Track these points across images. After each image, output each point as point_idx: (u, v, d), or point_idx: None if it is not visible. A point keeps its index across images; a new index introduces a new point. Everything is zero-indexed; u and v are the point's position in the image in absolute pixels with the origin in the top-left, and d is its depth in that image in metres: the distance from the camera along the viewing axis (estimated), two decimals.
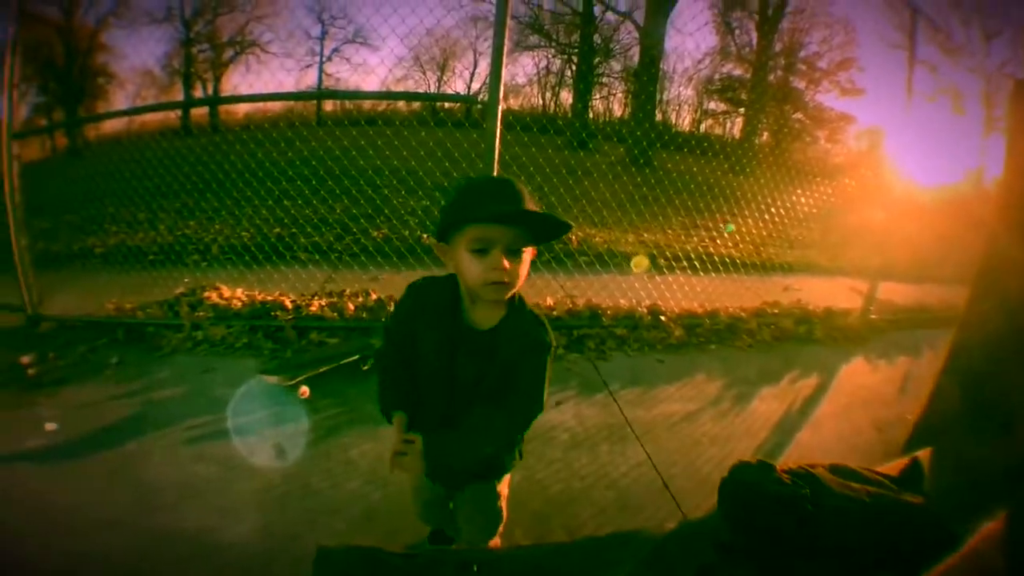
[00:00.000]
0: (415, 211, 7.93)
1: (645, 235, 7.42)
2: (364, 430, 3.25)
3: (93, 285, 5.41)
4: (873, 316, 5.56)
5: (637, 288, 5.35)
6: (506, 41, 3.77)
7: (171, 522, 2.58)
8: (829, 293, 6.09)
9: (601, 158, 9.41)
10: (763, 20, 23.98)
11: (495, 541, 2.09)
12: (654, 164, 9.87)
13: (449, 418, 1.71)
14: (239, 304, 4.69)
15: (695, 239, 7.37)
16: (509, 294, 1.53)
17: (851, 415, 3.86)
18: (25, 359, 4.17)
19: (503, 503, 2.00)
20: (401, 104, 30.28)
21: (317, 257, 6.14)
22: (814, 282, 6.79)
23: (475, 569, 1.52)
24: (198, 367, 4.02)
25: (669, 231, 7.57)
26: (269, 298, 4.78)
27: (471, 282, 1.50)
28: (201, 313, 4.54)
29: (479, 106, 4.03)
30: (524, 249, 1.49)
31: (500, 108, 3.83)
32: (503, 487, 1.96)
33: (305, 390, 3.61)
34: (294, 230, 6.54)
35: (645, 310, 5.01)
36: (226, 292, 4.90)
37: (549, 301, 4.99)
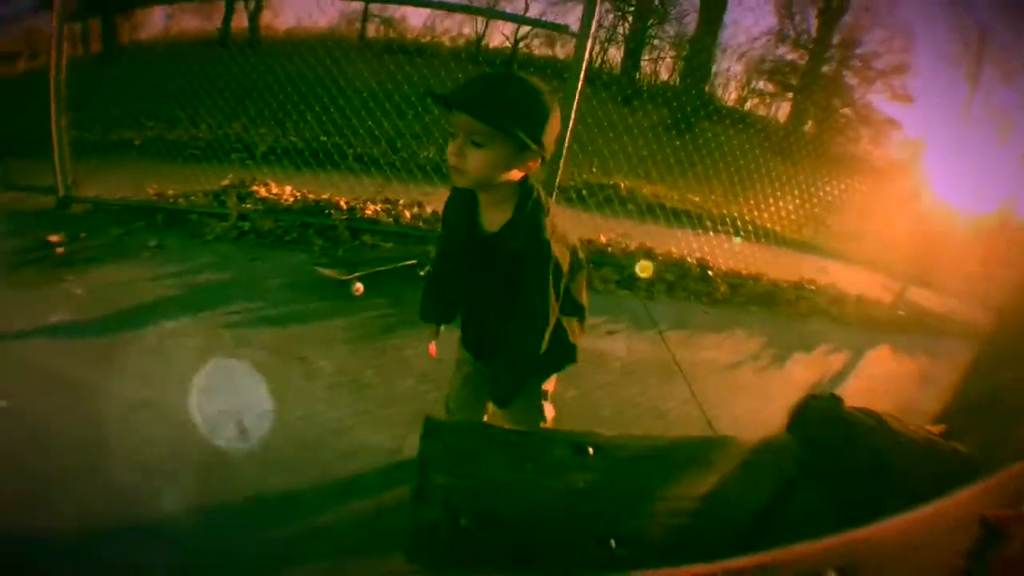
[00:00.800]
0: None
1: (688, 195, 7.35)
2: (419, 331, 3.18)
3: (128, 174, 5.33)
4: (901, 313, 5.62)
5: (683, 241, 5.35)
6: None
7: (208, 407, 2.53)
8: (862, 283, 6.09)
9: (643, 117, 9.26)
10: (826, 9, 23.60)
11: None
12: (695, 131, 9.75)
13: (476, 325, 1.86)
14: (290, 199, 4.65)
15: (736, 206, 7.28)
16: (471, 184, 1.52)
17: (873, 395, 3.91)
18: (54, 237, 4.13)
19: (547, 404, 1.99)
20: (445, 39, 30.27)
21: (369, 167, 6.03)
22: (849, 270, 6.77)
23: (590, 451, 1.52)
24: (244, 256, 3.98)
25: (712, 195, 7.48)
26: (324, 196, 4.73)
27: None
28: (249, 205, 4.49)
29: (571, 34, 4.03)
30: (492, 144, 1.43)
31: (589, 43, 3.89)
32: (548, 384, 1.96)
33: (360, 287, 3.57)
34: (341, 139, 6.39)
35: (695, 262, 5.02)
36: (275, 188, 4.84)
37: (603, 239, 4.98)
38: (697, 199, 7.17)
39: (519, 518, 1.38)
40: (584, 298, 1.85)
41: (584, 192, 5.96)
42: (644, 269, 4.90)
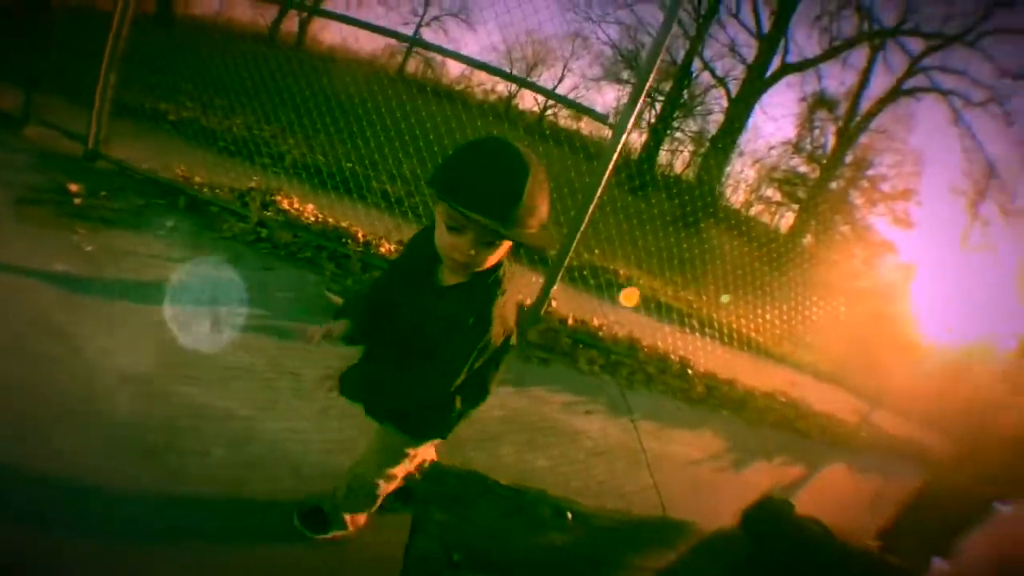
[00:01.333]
0: None
1: (682, 292, 7.56)
2: None
3: (158, 146, 5.56)
4: (863, 434, 6.06)
5: (670, 337, 5.58)
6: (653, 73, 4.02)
7: (196, 393, 2.61)
8: (831, 401, 6.46)
9: (650, 207, 9.50)
10: (844, 129, 24.25)
11: (376, 480, 2.03)
12: (699, 227, 10.00)
13: (389, 359, 1.78)
14: (311, 218, 4.79)
15: (724, 311, 7.50)
16: (472, 272, 1.54)
17: (823, 506, 4.04)
18: (74, 187, 4.25)
19: (403, 463, 1.98)
20: (477, 91, 30.70)
21: (392, 204, 6.19)
22: (820, 387, 7.04)
23: (569, 517, 1.71)
24: (257, 261, 4.08)
25: (704, 296, 7.71)
26: (343, 224, 4.86)
27: (438, 247, 1.51)
28: (270, 213, 4.61)
29: (609, 125, 4.16)
30: (504, 241, 1.46)
31: (624, 136, 4.04)
32: (416, 450, 1.95)
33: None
34: (369, 172, 6.59)
35: (677, 359, 5.24)
36: (297, 203, 4.98)
37: (595, 322, 5.15)
38: (690, 298, 7.37)
39: (507, 563, 1.56)
40: (492, 384, 1.85)
41: (586, 273, 6.16)
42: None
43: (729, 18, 23.67)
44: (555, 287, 4.31)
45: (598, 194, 4.13)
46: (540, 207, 1.39)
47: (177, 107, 7.17)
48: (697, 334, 5.90)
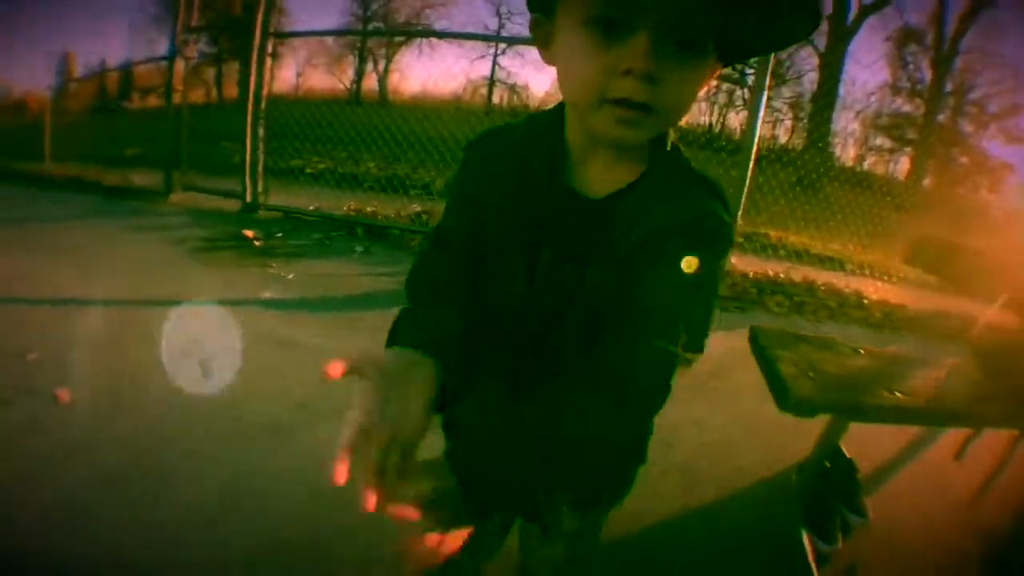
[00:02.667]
0: None
1: (829, 244, 7.53)
2: None
3: (305, 194, 6.04)
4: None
5: (834, 279, 5.63)
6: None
7: None
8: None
9: (769, 178, 9.41)
10: (937, 57, 23.14)
11: None
12: (820, 191, 9.81)
13: (517, 380, 0.94)
14: None
15: (871, 256, 7.38)
16: (652, 132, 0.75)
17: None
18: (249, 233, 4.74)
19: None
20: None
21: None
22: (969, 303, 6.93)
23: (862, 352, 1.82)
24: None
25: (848, 245, 7.63)
26: None
27: (578, 96, 0.74)
28: None
29: (747, 88, 4.47)
30: (709, 47, 0.70)
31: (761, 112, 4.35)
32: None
33: None
34: None
35: (851, 292, 5.32)
36: None
37: (770, 271, 5.31)
38: (836, 246, 7.32)
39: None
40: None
41: (741, 239, 6.28)
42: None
43: None
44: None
45: (751, 163, 4.39)
46: None
47: (310, 162, 7.69)
48: (855, 276, 5.98)
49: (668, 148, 0.82)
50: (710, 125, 26.31)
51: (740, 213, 4.43)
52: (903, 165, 24.32)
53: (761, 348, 1.93)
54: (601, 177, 0.82)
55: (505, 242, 0.87)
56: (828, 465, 2.01)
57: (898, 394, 1.69)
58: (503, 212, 0.87)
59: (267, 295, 3.60)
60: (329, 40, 33.06)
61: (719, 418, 2.72)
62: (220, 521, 1.78)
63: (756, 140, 4.37)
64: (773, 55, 4.53)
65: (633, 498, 1.11)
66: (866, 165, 24.76)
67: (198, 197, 6.17)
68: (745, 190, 4.40)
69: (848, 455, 2.06)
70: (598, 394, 0.75)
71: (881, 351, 2.16)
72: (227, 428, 2.26)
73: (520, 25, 34.35)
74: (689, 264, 0.74)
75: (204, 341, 2.94)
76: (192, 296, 3.53)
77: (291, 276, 3.92)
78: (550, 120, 0.85)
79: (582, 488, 1.01)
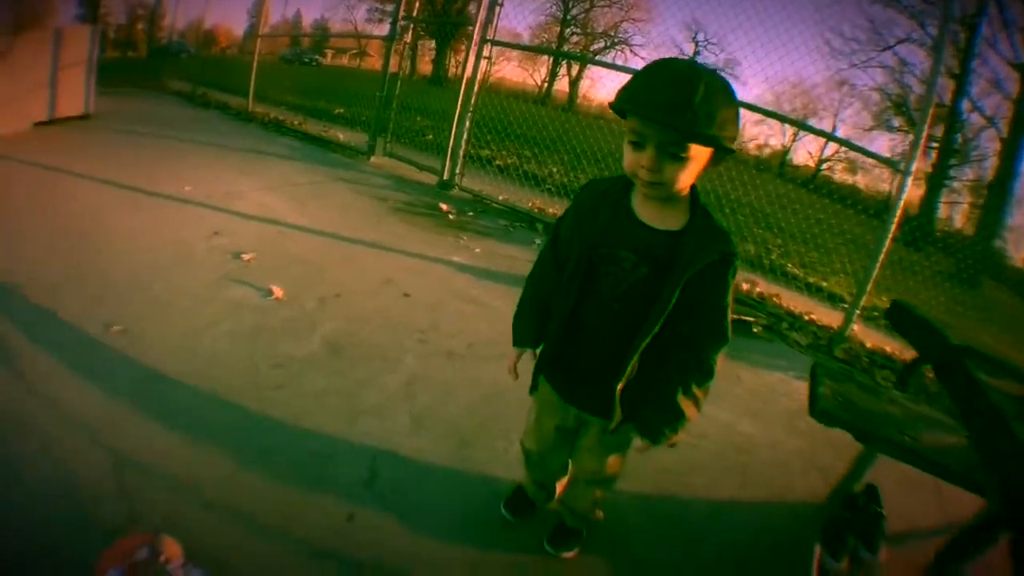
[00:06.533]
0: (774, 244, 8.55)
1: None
2: (750, 368, 3.71)
3: (492, 184, 6.74)
4: None
5: None
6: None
7: None
8: None
9: (928, 263, 9.24)
10: None
11: (599, 494, 1.85)
12: (981, 288, 9.41)
13: (568, 345, 1.56)
14: None
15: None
16: (665, 194, 1.34)
17: None
18: (444, 206, 5.62)
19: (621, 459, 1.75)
20: (751, 146, 32.15)
21: None
22: None
23: None
24: None
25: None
26: None
27: (627, 171, 1.36)
28: None
29: (899, 171, 4.36)
30: (690, 154, 1.26)
31: (910, 179, 4.32)
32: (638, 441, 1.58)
33: None
34: None
35: None
36: None
37: (887, 347, 5.29)
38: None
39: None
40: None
41: (874, 314, 6.29)
42: None
43: (988, 49, 21.35)
44: (853, 324, 4.57)
45: (888, 241, 4.36)
46: (720, 114, 1.22)
47: (496, 154, 8.55)
48: None
49: (700, 203, 1.39)
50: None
51: (872, 280, 4.44)
52: None
53: (815, 375, 2.28)
54: (655, 217, 1.39)
55: (579, 245, 1.46)
56: (860, 502, 2.26)
57: (907, 437, 1.96)
58: (584, 225, 1.47)
59: (458, 259, 4.32)
60: (526, 36, 34.23)
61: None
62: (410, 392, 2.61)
63: (900, 209, 4.32)
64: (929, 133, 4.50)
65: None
66: None
67: (399, 164, 7.15)
68: (880, 259, 4.34)
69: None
70: (677, 364, 1.44)
71: (914, 406, 2.37)
72: (415, 346, 3.02)
73: (715, 55, 34.11)
74: (727, 283, 1.39)
75: (404, 280, 3.79)
76: (396, 245, 4.37)
77: (478, 250, 4.60)
78: (626, 179, 1.41)
79: (647, 417, 1.50)
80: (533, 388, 1.70)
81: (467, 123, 6.25)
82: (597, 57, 34.14)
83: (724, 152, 1.29)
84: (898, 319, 2.41)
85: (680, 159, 1.26)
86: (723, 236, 1.36)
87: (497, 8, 6.07)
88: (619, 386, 1.46)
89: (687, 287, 1.34)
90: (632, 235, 1.40)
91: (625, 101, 1.27)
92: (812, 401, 2.12)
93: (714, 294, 1.39)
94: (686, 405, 1.44)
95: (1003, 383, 1.65)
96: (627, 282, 1.41)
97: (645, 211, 1.41)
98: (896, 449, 1.97)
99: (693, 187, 1.39)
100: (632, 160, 1.31)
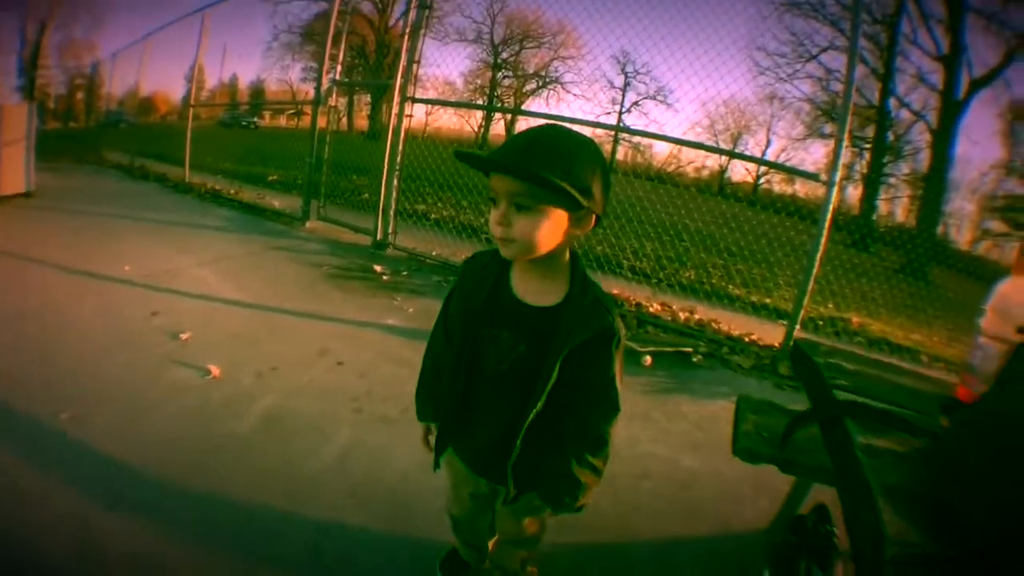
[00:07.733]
0: (717, 266, 8.61)
1: (912, 334, 7.45)
2: (691, 399, 3.74)
3: (427, 239, 6.69)
4: None
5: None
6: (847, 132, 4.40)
7: None
8: None
9: (878, 261, 9.35)
10: None
11: (524, 554, 1.87)
12: (928, 279, 9.55)
13: (464, 420, 1.52)
14: None
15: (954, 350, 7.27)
16: (522, 254, 1.27)
17: None
18: (378, 267, 5.57)
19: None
20: (689, 169, 32.72)
21: (640, 278, 6.83)
22: None
23: None
24: None
25: (934, 336, 7.55)
26: (614, 291, 5.63)
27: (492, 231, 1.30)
28: None
29: (822, 182, 4.41)
30: (540, 206, 1.21)
31: (835, 191, 4.34)
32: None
33: (649, 359, 4.23)
34: (617, 252, 7.30)
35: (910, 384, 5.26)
36: None
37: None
38: (919, 338, 7.27)
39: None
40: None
41: (821, 323, 6.48)
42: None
43: (909, 46, 22.20)
44: (796, 332, 4.52)
45: (821, 247, 4.33)
46: (573, 167, 1.18)
47: (431, 208, 8.56)
48: (929, 367, 5.78)
49: (582, 276, 1.33)
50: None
51: (808, 294, 4.43)
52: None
53: (738, 412, 2.25)
54: (533, 291, 1.35)
55: (461, 325, 1.42)
56: (809, 524, 2.12)
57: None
58: (460, 303, 1.44)
59: (391, 321, 4.32)
60: (459, 83, 34.33)
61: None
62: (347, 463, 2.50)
63: (828, 219, 4.30)
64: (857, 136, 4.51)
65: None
66: (979, 250, 23.18)
67: (333, 228, 7.09)
68: (814, 273, 4.35)
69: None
70: (569, 436, 1.40)
71: None
72: (348, 416, 3.01)
73: (645, 84, 34.54)
74: (610, 354, 1.31)
75: (338, 348, 3.74)
76: (330, 313, 4.35)
77: (411, 310, 4.58)
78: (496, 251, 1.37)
79: (546, 487, 1.47)
80: (436, 466, 1.63)
81: (395, 181, 6.26)
82: (526, 102, 34.96)
83: (577, 207, 1.21)
84: (797, 363, 2.35)
85: (529, 211, 1.20)
86: (600, 311, 1.30)
87: (415, 67, 6.11)
88: (510, 461, 1.41)
89: (568, 362, 1.29)
90: (510, 313, 1.36)
91: (477, 161, 1.25)
92: (734, 440, 2.08)
93: (598, 367, 1.33)
94: (583, 474, 1.39)
95: (891, 441, 1.56)
96: (508, 360, 1.36)
97: (522, 286, 1.36)
98: (824, 474, 1.91)
99: (574, 255, 1.36)
100: (491, 219, 1.26)
